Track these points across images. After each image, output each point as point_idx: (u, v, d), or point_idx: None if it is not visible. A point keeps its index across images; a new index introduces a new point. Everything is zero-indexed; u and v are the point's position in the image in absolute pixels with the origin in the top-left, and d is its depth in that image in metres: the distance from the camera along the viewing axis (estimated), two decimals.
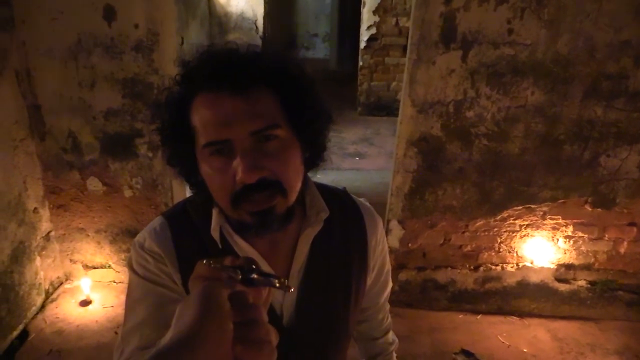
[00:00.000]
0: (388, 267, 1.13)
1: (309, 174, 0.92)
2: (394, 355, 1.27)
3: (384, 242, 1.08)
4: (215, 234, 0.88)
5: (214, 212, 0.88)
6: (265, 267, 0.90)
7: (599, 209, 2.62)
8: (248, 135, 0.75)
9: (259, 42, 7.00)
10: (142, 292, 0.89)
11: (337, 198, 1.00)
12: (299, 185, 0.84)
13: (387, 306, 1.23)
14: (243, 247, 0.89)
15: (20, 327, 2.69)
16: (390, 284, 1.19)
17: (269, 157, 0.77)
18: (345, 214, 1.00)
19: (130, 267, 0.91)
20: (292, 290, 0.65)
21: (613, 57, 2.30)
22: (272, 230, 0.82)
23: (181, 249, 0.90)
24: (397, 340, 1.27)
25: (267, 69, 0.78)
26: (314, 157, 0.88)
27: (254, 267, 0.64)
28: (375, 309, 1.18)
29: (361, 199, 1.06)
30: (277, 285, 0.64)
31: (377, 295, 1.15)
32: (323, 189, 0.97)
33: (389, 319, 1.25)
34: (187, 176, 0.88)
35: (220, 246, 0.88)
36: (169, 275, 0.89)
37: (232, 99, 0.75)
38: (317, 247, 0.93)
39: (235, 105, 0.75)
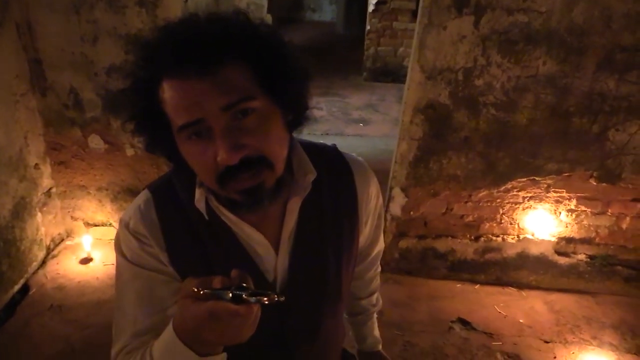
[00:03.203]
0: (380, 223, 1.10)
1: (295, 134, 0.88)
2: (375, 315, 1.28)
3: (377, 197, 1.04)
4: (200, 205, 0.85)
5: (197, 184, 0.85)
6: (256, 236, 0.89)
7: (604, 184, 2.59)
8: (220, 111, 0.71)
9: (266, 2, 6.85)
10: (130, 275, 0.88)
11: (325, 156, 0.97)
12: (285, 153, 0.81)
13: (379, 268, 1.22)
14: (231, 219, 0.86)
15: (22, 281, 2.71)
16: (382, 244, 1.17)
17: (249, 133, 0.73)
18: (334, 172, 0.96)
19: (117, 248, 0.90)
20: (283, 299, 0.65)
21: (629, 29, 2.23)
22: (264, 206, 0.80)
23: (167, 225, 0.87)
24: (380, 303, 1.27)
25: (235, 40, 0.73)
26: (298, 118, 0.84)
27: (244, 285, 0.65)
28: (363, 266, 1.16)
29: (352, 154, 1.02)
30: (267, 302, 0.64)
31: (365, 250, 1.13)
32: (310, 147, 0.94)
33: (378, 282, 1.24)
34: (169, 159, 0.85)
35: (207, 218, 0.86)
36: (156, 256, 0.87)
37: (199, 81, 0.71)
38: (306, 210, 0.91)
39: (203, 87, 0.71)
